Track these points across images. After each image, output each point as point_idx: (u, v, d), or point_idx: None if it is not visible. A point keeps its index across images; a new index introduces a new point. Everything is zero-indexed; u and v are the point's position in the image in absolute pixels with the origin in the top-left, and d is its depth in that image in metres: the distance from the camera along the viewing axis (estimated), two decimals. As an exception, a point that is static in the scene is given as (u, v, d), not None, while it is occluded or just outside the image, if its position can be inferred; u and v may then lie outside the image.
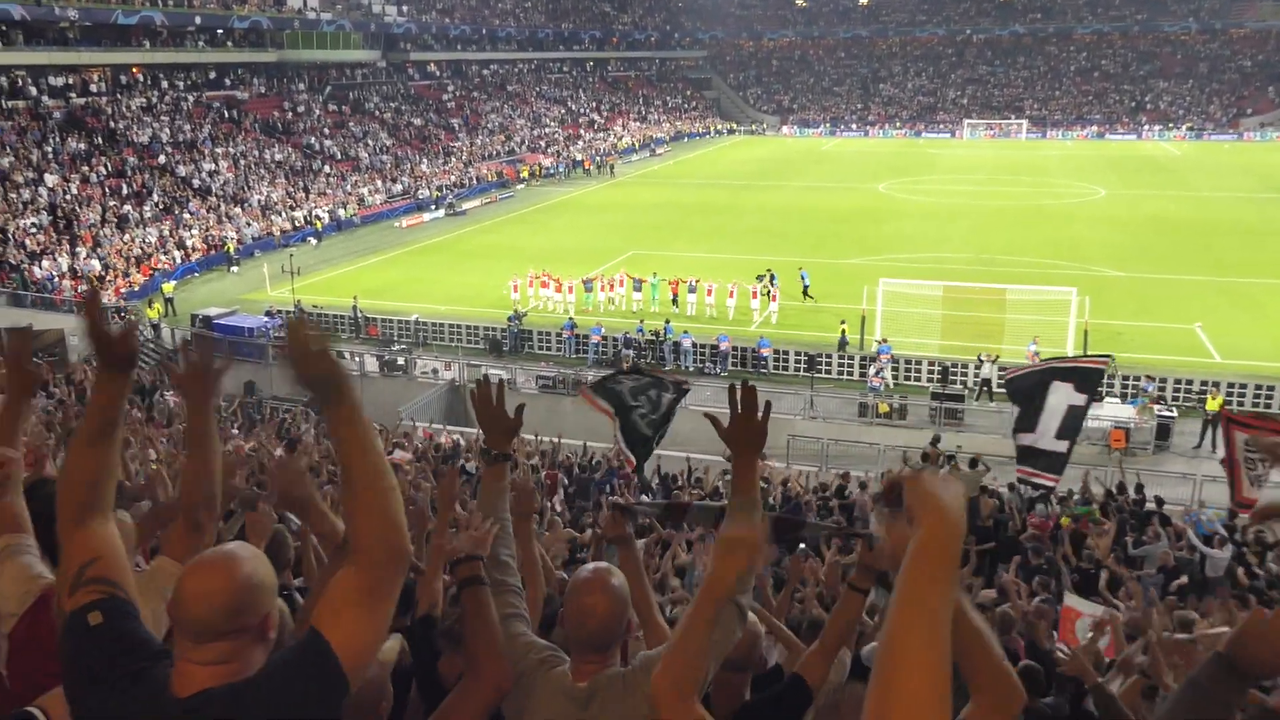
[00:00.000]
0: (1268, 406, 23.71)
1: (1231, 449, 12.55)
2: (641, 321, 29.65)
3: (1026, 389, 13.61)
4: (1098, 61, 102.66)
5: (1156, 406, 23.79)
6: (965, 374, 26.33)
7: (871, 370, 26.46)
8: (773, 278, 32.34)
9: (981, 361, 25.62)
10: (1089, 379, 13.24)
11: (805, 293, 32.67)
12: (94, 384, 2.59)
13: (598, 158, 73.60)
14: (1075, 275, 33.75)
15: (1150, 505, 15.33)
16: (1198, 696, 2.18)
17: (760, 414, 3.08)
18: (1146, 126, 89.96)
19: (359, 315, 31.44)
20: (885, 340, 27.21)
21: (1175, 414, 23.34)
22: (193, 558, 2.21)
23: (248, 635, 2.10)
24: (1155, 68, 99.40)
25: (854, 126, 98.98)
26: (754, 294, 32.46)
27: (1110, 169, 66.16)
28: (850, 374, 27.31)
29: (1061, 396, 12.92)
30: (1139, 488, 16.19)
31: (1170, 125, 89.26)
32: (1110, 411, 23.52)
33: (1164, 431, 22.77)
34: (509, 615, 2.94)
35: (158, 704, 2.06)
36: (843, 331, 28.11)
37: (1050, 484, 13.50)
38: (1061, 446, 13.00)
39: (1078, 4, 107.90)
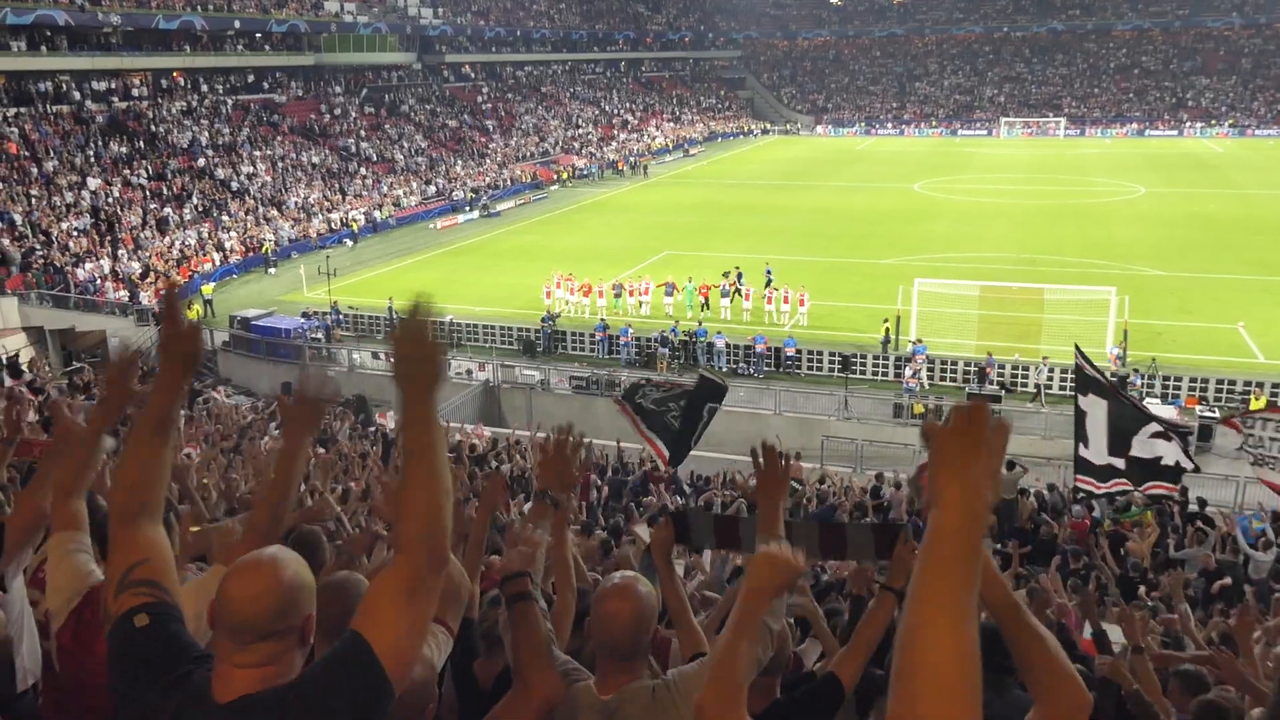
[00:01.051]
0: (1314, 408, 23.23)
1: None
2: (676, 323, 29.56)
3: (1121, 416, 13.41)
4: (1138, 58, 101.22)
5: (1198, 407, 23.42)
6: (1020, 374, 26.00)
7: (907, 371, 26.25)
8: (739, 275, 32.91)
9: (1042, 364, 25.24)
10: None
11: (767, 285, 33.13)
12: (154, 380, 2.63)
13: (631, 158, 73.66)
14: (1114, 275, 33.29)
15: (1193, 507, 15.11)
16: None
17: (783, 467, 3.18)
18: (1188, 123, 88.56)
19: (394, 317, 31.65)
20: (920, 340, 26.98)
21: (1218, 415, 22.94)
22: (235, 561, 2.23)
23: (290, 637, 2.12)
24: (1197, 64, 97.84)
25: (889, 126, 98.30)
26: (723, 292, 32.67)
27: (1150, 167, 65.22)
28: (885, 374, 27.11)
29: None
30: (1183, 490, 15.92)
31: (1213, 122, 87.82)
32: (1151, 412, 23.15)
33: (1205, 433, 22.40)
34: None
35: (199, 709, 2.07)
36: (886, 330, 27.86)
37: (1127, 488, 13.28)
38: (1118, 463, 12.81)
39: (1118, 0, 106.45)
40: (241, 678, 2.07)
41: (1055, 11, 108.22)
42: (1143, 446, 13.03)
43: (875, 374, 27.24)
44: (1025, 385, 25.72)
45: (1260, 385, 23.72)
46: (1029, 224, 46.04)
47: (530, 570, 2.90)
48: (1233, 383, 24.54)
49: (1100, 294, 28.27)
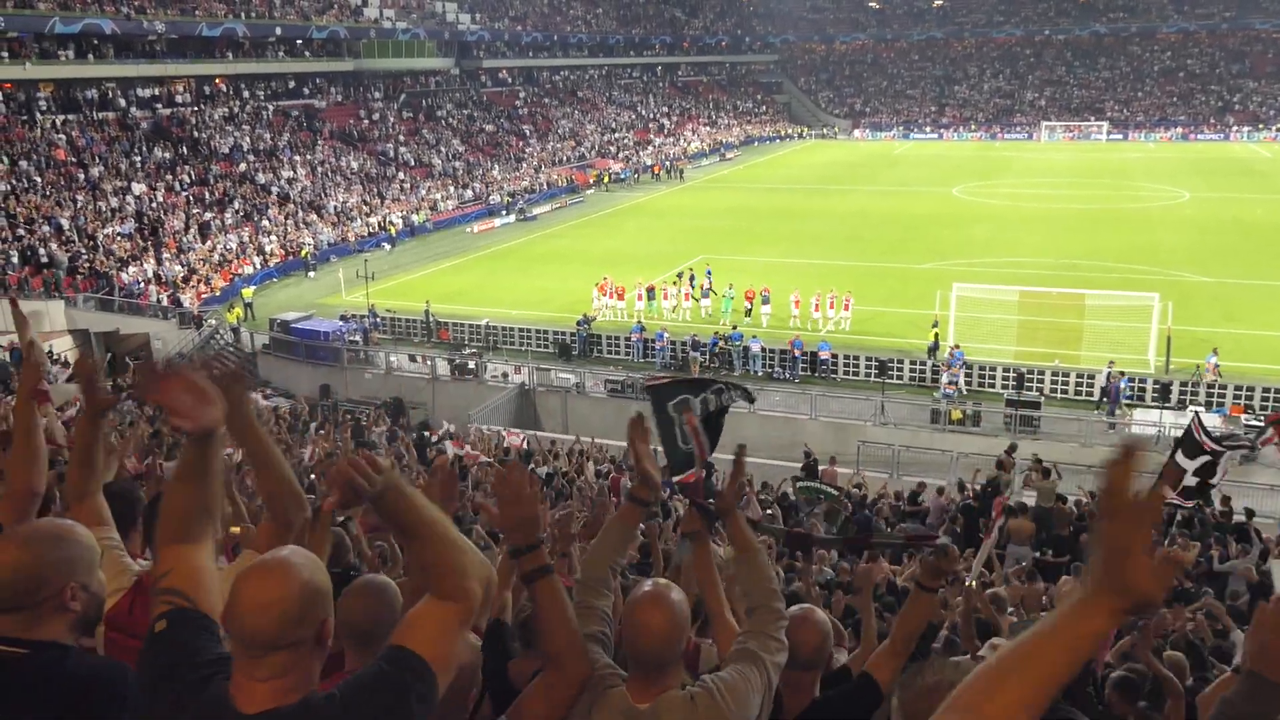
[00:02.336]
0: (1364, 417, 22.70)
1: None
2: (717, 331, 29.41)
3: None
4: (1183, 61, 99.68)
5: (1244, 415, 22.98)
6: (1041, 380, 25.70)
7: (944, 378, 25.95)
8: (692, 278, 33.63)
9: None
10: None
11: (708, 289, 33.46)
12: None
13: (667, 162, 73.66)
14: (1158, 280, 32.78)
15: (1240, 517, 14.83)
16: (1232, 715, 2.05)
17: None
18: (1235, 128, 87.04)
19: (431, 320, 31.87)
20: (958, 346, 26.70)
21: (1263, 423, 22.46)
22: (246, 566, 2.17)
23: (305, 646, 2.05)
24: (1245, 67, 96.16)
25: (927, 130, 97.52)
26: (687, 294, 33.23)
27: (1195, 172, 64.19)
28: (923, 380, 26.84)
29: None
30: (1225, 499, 15.65)
31: (1260, 126, 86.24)
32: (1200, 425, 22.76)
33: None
34: (591, 635, 2.86)
35: (222, 717, 2.03)
36: (935, 336, 27.51)
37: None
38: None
39: (1163, 2, 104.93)
40: (262, 690, 2.01)
41: (1098, 14, 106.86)
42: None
43: (913, 379, 26.96)
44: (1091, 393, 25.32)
45: (1309, 393, 23.23)
46: (1070, 229, 45.46)
47: (538, 540, 2.75)
48: (1279, 391, 24.05)
49: (1144, 300, 27.84)
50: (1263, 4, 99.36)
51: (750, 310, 31.70)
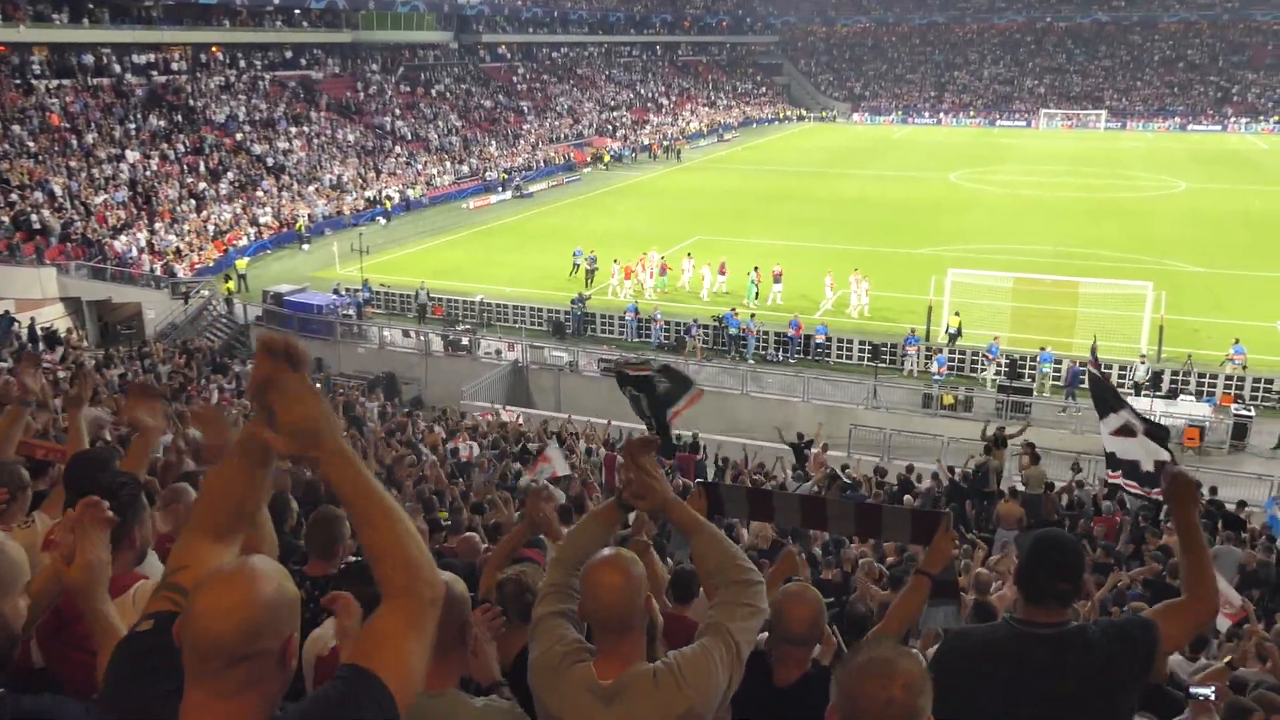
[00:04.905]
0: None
1: None
2: (734, 309, 29.36)
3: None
4: (1183, 51, 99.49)
5: (1233, 405, 23.11)
6: (1034, 367, 25.77)
7: (934, 364, 25.95)
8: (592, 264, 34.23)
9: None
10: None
11: (572, 273, 33.91)
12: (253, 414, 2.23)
13: (665, 142, 73.42)
14: (1152, 270, 32.83)
15: (1230, 507, 14.94)
16: None
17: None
18: (1232, 119, 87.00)
19: (426, 298, 31.64)
20: (997, 338, 26.25)
21: (1253, 413, 22.62)
22: (207, 573, 1.96)
23: (268, 662, 1.85)
24: (1244, 58, 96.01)
25: (926, 115, 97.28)
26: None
27: (1192, 162, 64.19)
28: (919, 364, 26.78)
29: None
30: (1213, 489, 15.77)
31: (1259, 118, 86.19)
32: (1185, 409, 22.91)
33: (1240, 431, 22.11)
34: (560, 612, 2.89)
35: None
36: (958, 324, 27.33)
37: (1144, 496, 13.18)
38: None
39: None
40: (215, 711, 1.83)
41: (1100, 2, 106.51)
42: (1111, 442, 13.02)
43: (905, 364, 26.93)
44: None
45: (1298, 385, 23.35)
46: (1066, 217, 45.47)
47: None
48: (1270, 381, 24.17)
49: (1137, 289, 27.88)
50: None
51: (758, 293, 31.50)
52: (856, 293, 30.57)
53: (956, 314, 27.60)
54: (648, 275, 33.24)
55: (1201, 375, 24.57)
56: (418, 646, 2.00)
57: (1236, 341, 24.80)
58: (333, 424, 2.00)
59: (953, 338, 27.31)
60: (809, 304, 31.32)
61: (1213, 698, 4.71)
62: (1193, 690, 4.78)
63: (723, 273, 33.05)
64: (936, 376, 25.57)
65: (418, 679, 2.00)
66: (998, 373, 25.74)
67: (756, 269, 31.72)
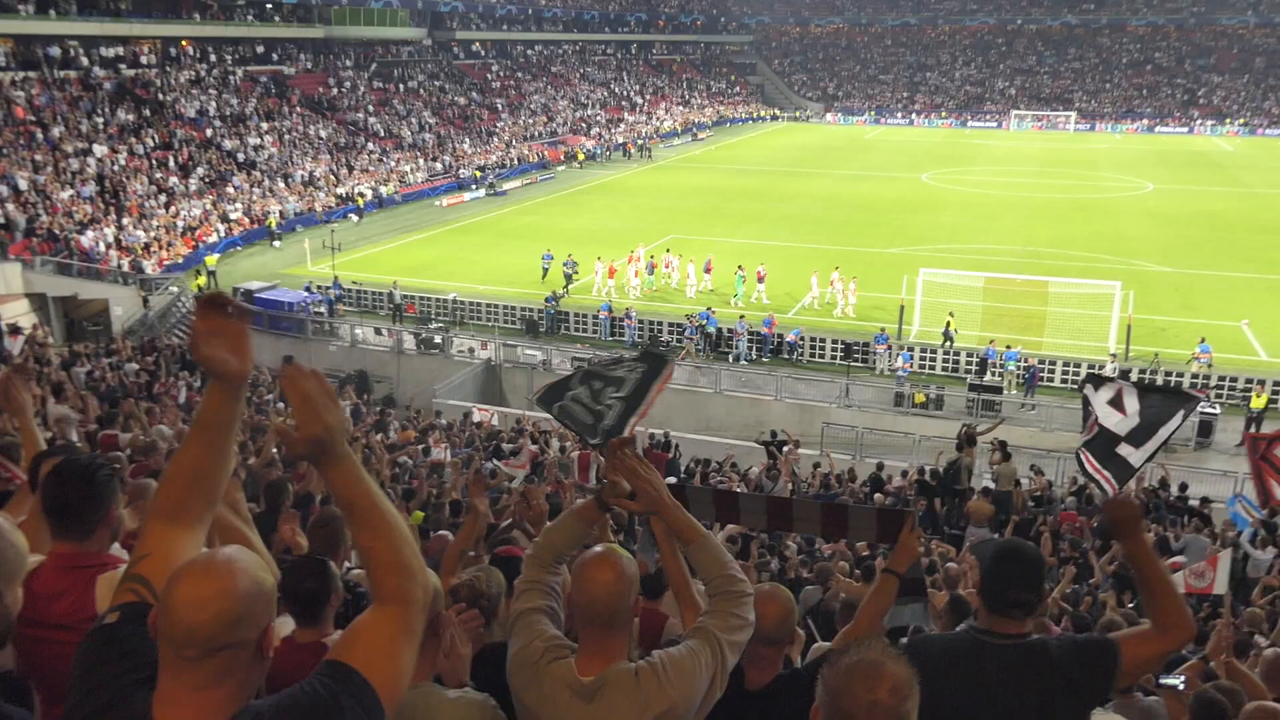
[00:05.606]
0: (1315, 408, 23.27)
1: (1254, 458, 12.49)
2: (711, 309, 29.29)
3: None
4: (1151, 54, 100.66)
5: (1200, 403, 23.40)
6: (1074, 371, 25.99)
7: (900, 360, 26.14)
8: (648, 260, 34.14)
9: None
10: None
11: (543, 278, 33.59)
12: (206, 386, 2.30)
13: (640, 141, 73.40)
14: (1120, 269, 33.23)
15: (1193, 502, 15.16)
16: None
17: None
18: (1199, 121, 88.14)
19: (400, 298, 31.38)
20: (1010, 346, 26.17)
21: (1218, 411, 22.94)
22: (183, 561, 1.95)
23: (244, 653, 1.85)
24: (1210, 61, 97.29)
25: (899, 115, 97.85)
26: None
27: (1160, 163, 64.97)
28: (889, 363, 26.97)
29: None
30: (1182, 486, 15.99)
31: (1224, 120, 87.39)
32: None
33: (1206, 429, 22.42)
34: (539, 608, 2.89)
35: None
36: (948, 324, 27.29)
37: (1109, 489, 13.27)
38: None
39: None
40: (189, 703, 1.81)
41: (1069, 5, 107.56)
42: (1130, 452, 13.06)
43: (874, 363, 27.10)
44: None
45: (1262, 382, 23.67)
46: (1036, 217, 45.90)
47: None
48: (1234, 380, 24.53)
49: (1105, 288, 28.22)
50: (1229, 1, 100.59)
51: (745, 290, 31.59)
52: (842, 292, 30.69)
53: (950, 314, 27.60)
54: (633, 273, 33.19)
55: (1168, 373, 24.89)
56: (408, 651, 2.00)
57: (1202, 340, 25.16)
58: (345, 430, 2.03)
59: (947, 338, 27.31)
60: (791, 301, 31.47)
61: (1182, 687, 4.77)
62: (1163, 680, 4.84)
63: (708, 270, 33.11)
64: (901, 372, 25.72)
65: (406, 682, 2.00)
66: (929, 362, 26.32)
67: (742, 267, 31.84)
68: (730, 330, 28.15)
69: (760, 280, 31.77)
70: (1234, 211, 47.12)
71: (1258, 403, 22.75)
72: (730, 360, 27.48)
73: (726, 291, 31.92)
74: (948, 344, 27.11)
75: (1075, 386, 25.45)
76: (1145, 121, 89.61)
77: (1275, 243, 39.76)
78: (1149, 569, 3.10)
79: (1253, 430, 21.76)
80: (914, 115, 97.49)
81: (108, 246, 34.62)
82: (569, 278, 33.01)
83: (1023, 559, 3.12)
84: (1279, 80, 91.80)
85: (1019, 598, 3.04)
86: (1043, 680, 2.96)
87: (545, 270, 34.03)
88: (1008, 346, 26.04)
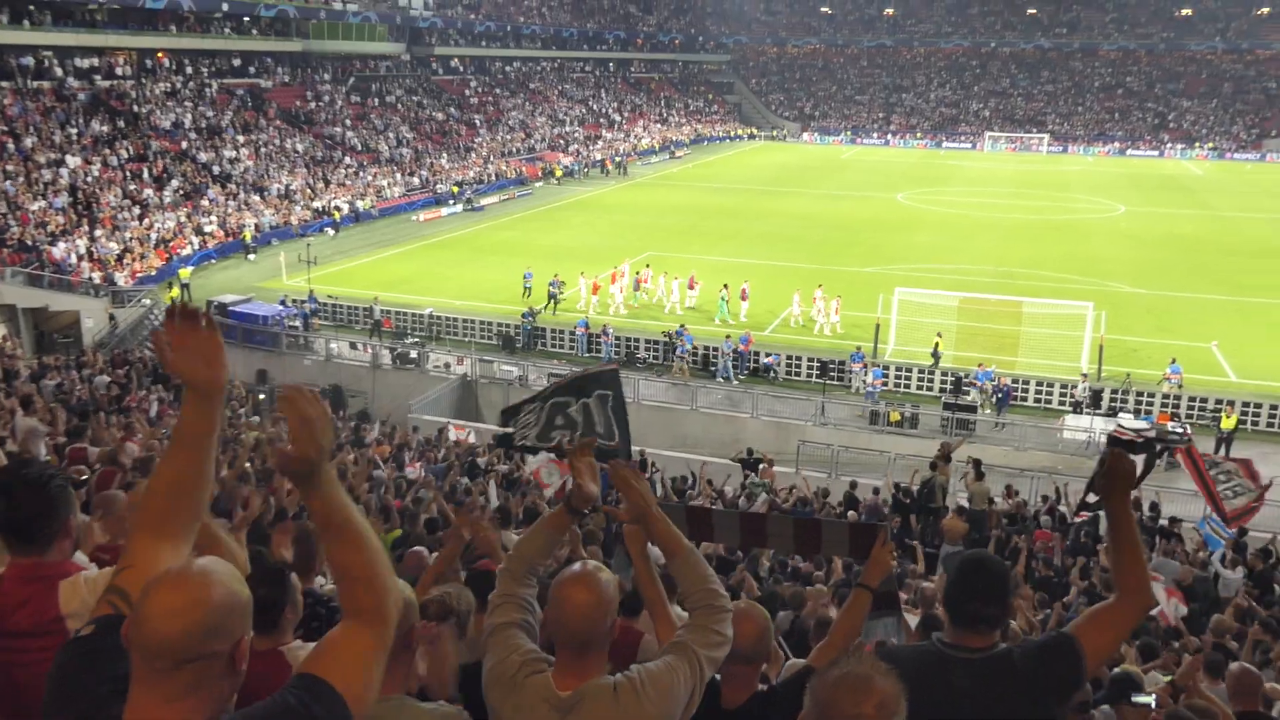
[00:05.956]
0: (1283, 428, 23.58)
1: (1198, 479, 12.75)
2: (684, 325, 29.29)
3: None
4: (1122, 78, 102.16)
5: (1170, 423, 23.63)
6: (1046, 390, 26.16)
7: (869, 376, 26.26)
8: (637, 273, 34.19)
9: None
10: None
11: (525, 295, 33.20)
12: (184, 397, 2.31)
13: (618, 158, 73.61)
14: (1092, 290, 33.57)
15: (1163, 522, 15.29)
16: None
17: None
18: (1169, 144, 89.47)
19: (378, 313, 31.19)
20: (982, 365, 26.31)
21: (1189, 431, 23.14)
22: (158, 572, 1.94)
23: (217, 664, 1.84)
24: (1179, 86, 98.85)
25: (875, 135, 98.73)
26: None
27: (1131, 186, 65.81)
28: (865, 382, 27.05)
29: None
30: (1153, 506, 16.12)
31: (1193, 144, 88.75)
32: (1123, 426, 23.39)
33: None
34: (513, 622, 2.88)
35: None
36: (937, 344, 27.24)
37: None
38: None
39: (1104, 20, 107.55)
40: (162, 714, 1.79)
41: (1043, 29, 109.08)
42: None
43: (850, 382, 27.20)
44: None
45: (1231, 403, 23.98)
46: (1010, 238, 46.35)
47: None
48: (1204, 400, 24.79)
49: (1078, 309, 28.51)
50: (1198, 27, 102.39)
51: (728, 309, 31.58)
52: (824, 311, 30.79)
53: (939, 335, 27.66)
54: (618, 290, 33.16)
55: (1140, 393, 25.14)
56: (378, 664, 2.00)
57: (1173, 361, 25.44)
58: (331, 450, 2.04)
59: (935, 359, 27.33)
60: (771, 318, 31.60)
61: (1153, 705, 4.79)
62: (1135, 698, 4.86)
63: (692, 287, 33.17)
64: (870, 389, 25.82)
65: (375, 695, 2.01)
66: (905, 381, 26.53)
67: (726, 286, 31.91)
68: (715, 349, 28.14)
69: (744, 298, 31.86)
70: (1204, 234, 47.78)
71: (1228, 423, 23.02)
72: (718, 379, 27.47)
73: (710, 309, 31.98)
74: (937, 365, 27.12)
75: (1048, 406, 25.70)
76: (1116, 144, 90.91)
77: (1244, 266, 40.35)
78: (1126, 529, 3.14)
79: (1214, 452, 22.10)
80: (890, 135, 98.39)
81: (79, 258, 34.29)
82: (554, 298, 32.62)
83: (987, 572, 3.12)
84: (1246, 105, 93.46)
85: (983, 611, 3.04)
86: (1011, 690, 2.97)
87: (527, 289, 33.71)
88: (980, 366, 26.23)
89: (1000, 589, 3.10)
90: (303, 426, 2.00)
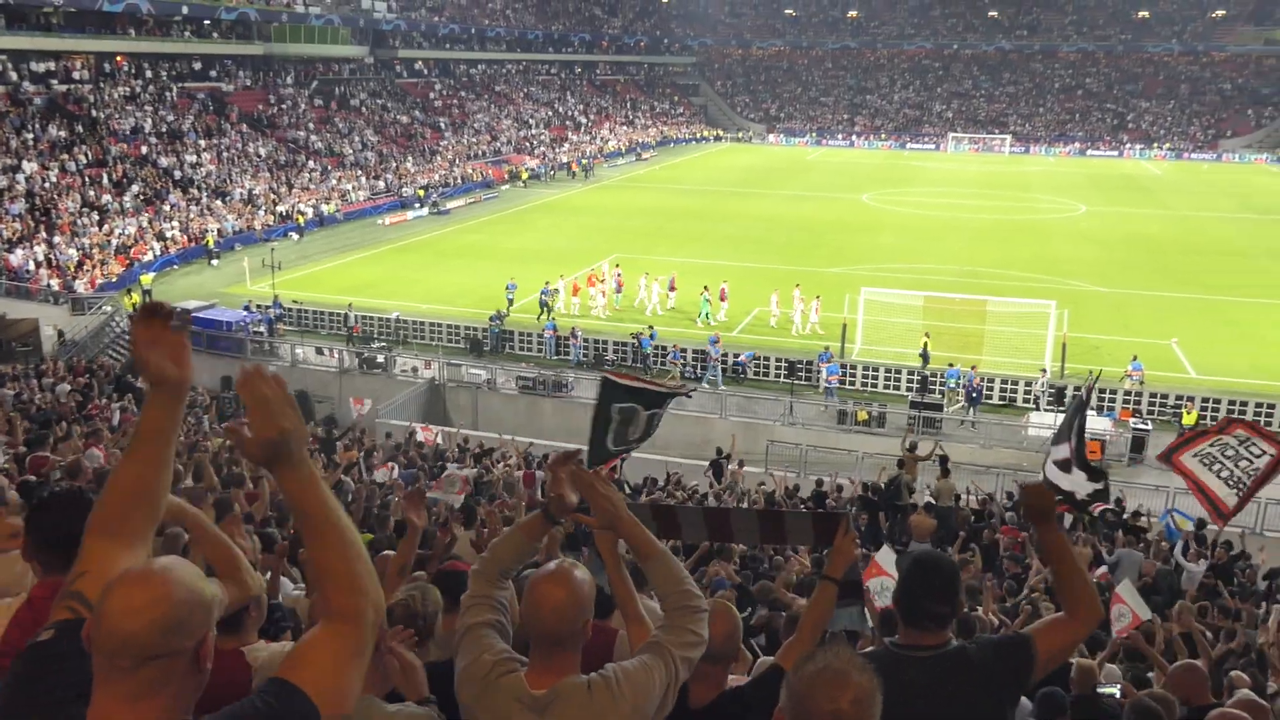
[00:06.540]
0: (1242, 423, 23.91)
1: (1189, 479, 12.73)
2: (651, 328, 29.26)
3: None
4: (1081, 80, 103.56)
5: (1132, 420, 24.02)
6: (1011, 388, 26.40)
7: (824, 372, 26.43)
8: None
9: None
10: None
11: (509, 307, 32.05)
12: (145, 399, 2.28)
13: (584, 160, 73.56)
14: (1055, 289, 33.99)
15: (1126, 517, 15.49)
16: None
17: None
18: (1128, 145, 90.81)
19: (353, 318, 30.85)
20: (954, 363, 26.55)
21: (1150, 427, 23.52)
22: (119, 572, 1.89)
23: (180, 662, 1.80)
24: (1138, 88, 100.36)
25: (840, 137, 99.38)
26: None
27: (1091, 186, 66.70)
28: (845, 381, 26.99)
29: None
30: (1118, 500, 16.32)
31: (1151, 144, 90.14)
32: (1086, 424, 23.71)
33: (1139, 444, 22.98)
34: (486, 623, 2.87)
35: None
36: (925, 345, 27.26)
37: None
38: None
39: (1063, 23, 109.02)
40: (125, 714, 1.76)
41: (1004, 31, 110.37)
42: (1051, 470, 13.22)
43: (818, 382, 27.31)
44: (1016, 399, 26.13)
45: (1191, 399, 24.36)
46: (974, 238, 46.83)
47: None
48: (1165, 396, 25.17)
49: (1041, 307, 28.85)
50: (1155, 29, 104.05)
51: (709, 311, 31.61)
52: (802, 311, 30.88)
53: (926, 335, 27.76)
54: (600, 292, 33.09)
55: (1102, 391, 25.46)
56: (355, 670, 1.95)
57: (1135, 358, 25.81)
58: (302, 436, 1.98)
59: (924, 359, 27.30)
60: (741, 318, 31.69)
61: (1118, 695, 4.86)
62: (1100, 689, 4.93)
63: (673, 289, 33.18)
64: (828, 385, 25.95)
65: (352, 703, 1.95)
66: (874, 381, 26.62)
67: (707, 288, 31.95)
68: (704, 353, 27.98)
69: (723, 299, 31.94)
70: (1163, 233, 48.52)
71: (1190, 419, 23.38)
72: (706, 384, 27.38)
73: (691, 310, 32.05)
74: (925, 366, 27.19)
75: (1013, 403, 25.98)
76: (1077, 145, 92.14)
77: (1203, 264, 41.02)
78: (1061, 555, 3.16)
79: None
80: (854, 137, 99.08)
81: (38, 265, 33.75)
82: (546, 306, 32.13)
83: (937, 570, 3.14)
84: (1203, 106, 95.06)
85: (934, 610, 3.06)
86: (965, 685, 2.99)
87: (510, 300, 32.44)
88: (950, 364, 26.46)
89: (952, 587, 3.11)
90: (259, 407, 1.95)
